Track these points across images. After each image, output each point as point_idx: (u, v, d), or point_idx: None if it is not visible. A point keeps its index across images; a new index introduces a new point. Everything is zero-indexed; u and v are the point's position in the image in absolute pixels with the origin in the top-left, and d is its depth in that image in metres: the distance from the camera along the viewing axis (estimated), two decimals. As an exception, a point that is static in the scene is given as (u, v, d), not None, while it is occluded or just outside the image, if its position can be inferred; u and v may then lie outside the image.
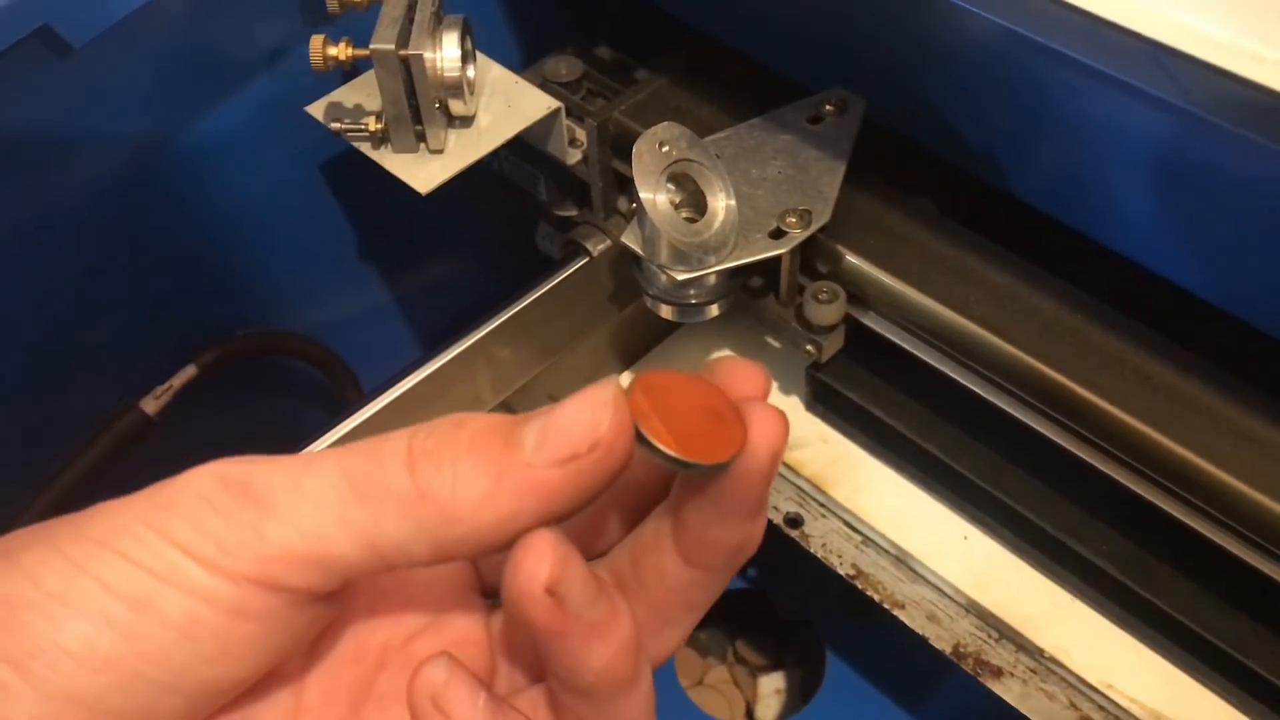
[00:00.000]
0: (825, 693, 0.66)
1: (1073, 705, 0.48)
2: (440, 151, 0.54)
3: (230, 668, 0.28)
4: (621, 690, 0.30)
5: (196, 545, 0.27)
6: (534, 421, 0.28)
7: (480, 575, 0.34)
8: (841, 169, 0.51)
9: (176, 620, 0.26)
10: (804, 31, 0.55)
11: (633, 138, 0.50)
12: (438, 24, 0.53)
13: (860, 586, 0.52)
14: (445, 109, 0.53)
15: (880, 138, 0.54)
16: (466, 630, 0.33)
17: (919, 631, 0.51)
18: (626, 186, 0.58)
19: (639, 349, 0.60)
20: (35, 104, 0.50)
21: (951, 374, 0.50)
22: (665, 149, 0.48)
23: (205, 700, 0.28)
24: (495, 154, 0.55)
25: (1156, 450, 0.45)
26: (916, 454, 0.53)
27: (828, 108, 0.53)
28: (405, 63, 0.51)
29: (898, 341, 0.51)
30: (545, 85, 0.59)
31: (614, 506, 0.33)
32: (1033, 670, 0.49)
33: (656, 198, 0.48)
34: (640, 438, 0.27)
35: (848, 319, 0.52)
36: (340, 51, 0.51)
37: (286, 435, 0.56)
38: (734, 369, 0.30)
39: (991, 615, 0.50)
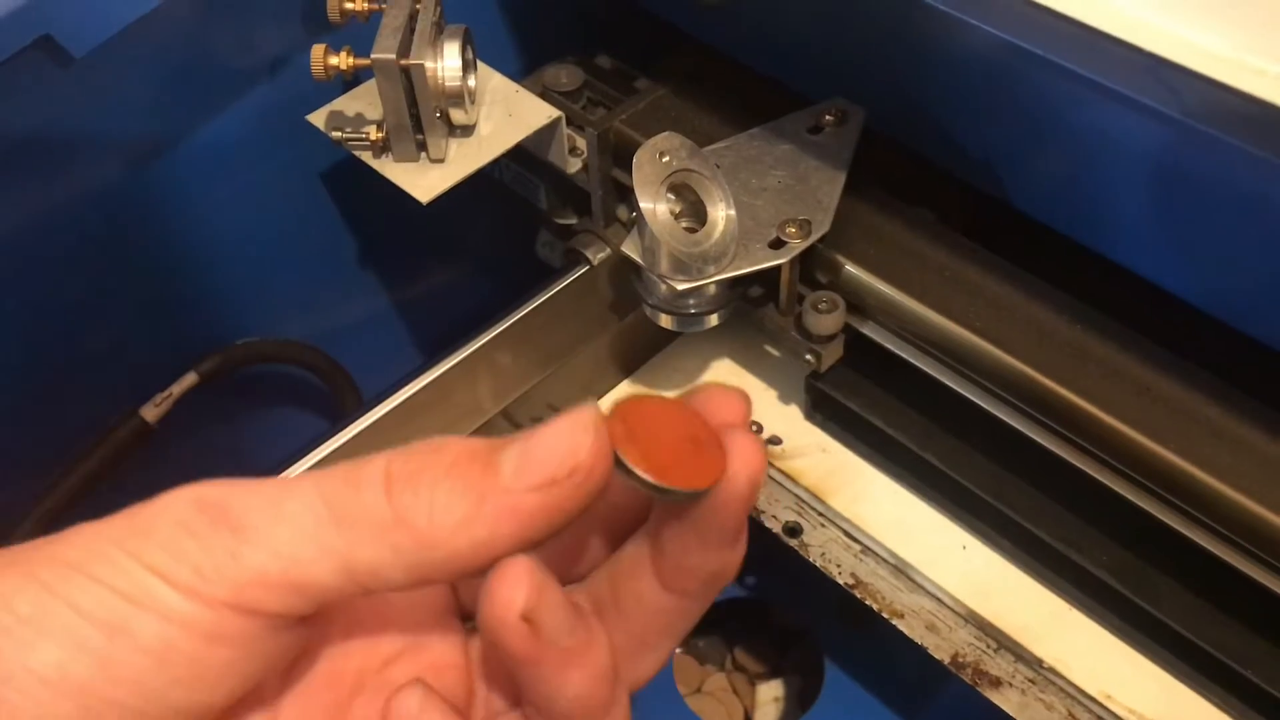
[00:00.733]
0: (824, 701, 0.66)
1: (1071, 715, 0.48)
2: (441, 160, 0.54)
3: (204, 693, 0.27)
4: (597, 717, 0.30)
5: (172, 570, 0.26)
6: (513, 446, 0.27)
7: (459, 598, 0.34)
8: (841, 179, 0.52)
9: (150, 645, 0.26)
10: (804, 41, 0.55)
11: (633, 147, 0.50)
12: (439, 33, 0.53)
13: (859, 596, 0.52)
14: (446, 118, 0.53)
15: (880, 148, 0.54)
16: (444, 654, 0.33)
17: (918, 641, 0.51)
18: (626, 195, 0.58)
19: (639, 358, 0.60)
20: (36, 111, 0.50)
21: (950, 384, 0.51)
22: (665, 159, 0.48)
23: None
24: (496, 162, 0.56)
25: (1155, 461, 0.45)
26: (915, 463, 0.53)
27: (827, 118, 0.54)
28: (406, 72, 0.51)
29: (897, 351, 0.52)
30: (546, 94, 0.59)
31: (595, 529, 0.33)
32: (1031, 680, 0.49)
33: (657, 207, 0.48)
34: (619, 463, 0.27)
35: (847, 329, 0.52)
36: (341, 61, 0.52)
37: (286, 443, 0.56)
38: (714, 396, 0.30)
39: (990, 625, 0.50)
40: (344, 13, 0.53)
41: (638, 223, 0.49)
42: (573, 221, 0.62)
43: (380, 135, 0.54)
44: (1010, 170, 0.49)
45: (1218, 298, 0.44)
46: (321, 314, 0.66)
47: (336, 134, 0.55)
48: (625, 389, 0.60)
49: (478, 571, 0.28)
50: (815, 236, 0.50)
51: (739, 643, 0.73)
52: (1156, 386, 0.46)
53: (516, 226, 0.67)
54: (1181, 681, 0.48)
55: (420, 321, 0.73)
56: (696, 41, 0.60)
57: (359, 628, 0.32)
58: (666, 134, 0.49)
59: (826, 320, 0.51)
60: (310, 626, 0.29)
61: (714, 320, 0.52)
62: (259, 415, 0.67)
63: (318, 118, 0.56)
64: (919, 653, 0.51)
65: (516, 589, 0.27)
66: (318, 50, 0.52)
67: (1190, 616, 0.47)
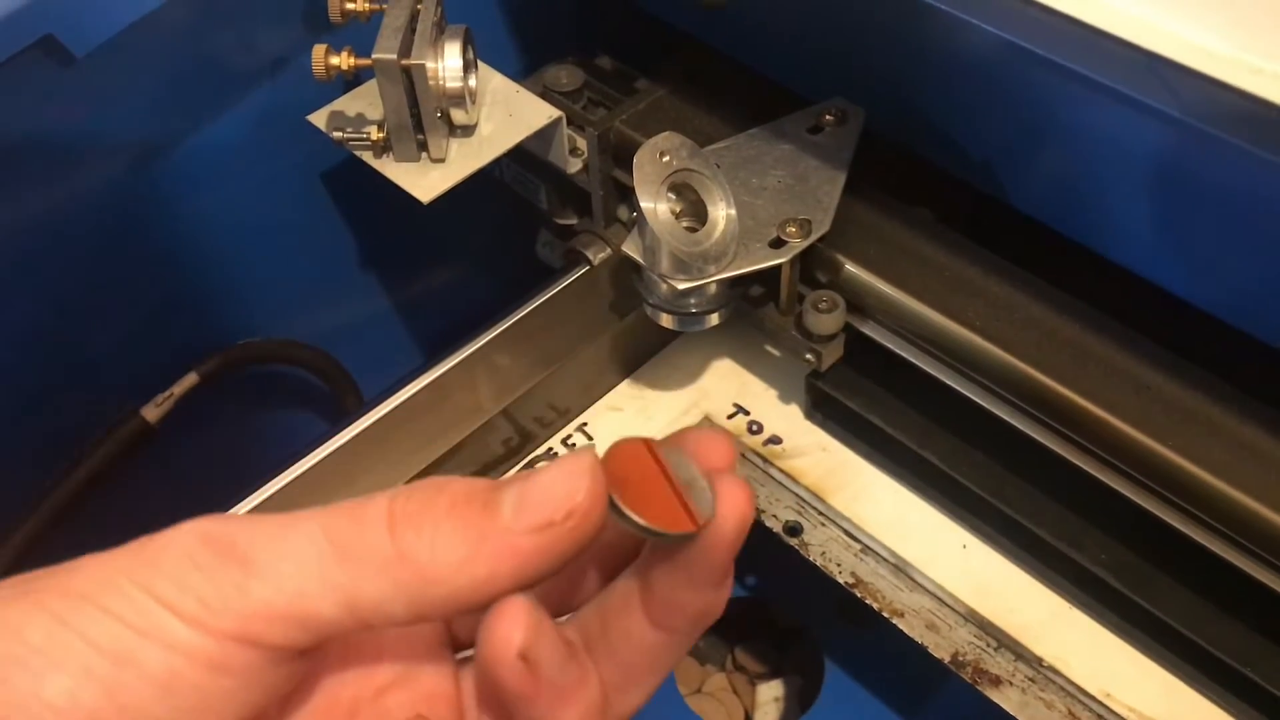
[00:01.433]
0: (824, 700, 0.66)
1: (1071, 714, 0.48)
2: (442, 160, 0.54)
3: None
4: None
5: (179, 602, 0.27)
6: (512, 487, 0.29)
7: (451, 630, 0.35)
8: (841, 179, 0.52)
9: (157, 675, 0.27)
10: (803, 42, 0.55)
11: (633, 147, 0.50)
12: (439, 34, 0.53)
13: (859, 595, 0.52)
14: (447, 118, 0.54)
15: (879, 147, 0.54)
16: (437, 684, 0.34)
17: (918, 640, 0.51)
18: (627, 195, 0.58)
19: (639, 357, 0.60)
20: (37, 111, 0.50)
21: (950, 383, 0.51)
22: (666, 159, 0.48)
23: None
24: (497, 163, 0.56)
25: (1154, 459, 0.45)
26: (915, 462, 0.53)
27: (827, 118, 0.54)
28: (407, 72, 0.51)
29: (897, 350, 0.52)
30: (546, 94, 0.59)
31: (588, 563, 0.34)
32: (1031, 679, 0.49)
33: (657, 207, 0.48)
34: (613, 506, 0.28)
35: (847, 328, 0.52)
36: (342, 61, 0.52)
37: (287, 443, 0.56)
38: (703, 439, 0.31)
39: (990, 624, 0.50)
40: (345, 13, 0.53)
41: (638, 222, 0.49)
42: (573, 222, 0.62)
43: (381, 135, 0.54)
44: (1009, 169, 0.50)
45: (1214, 295, 0.44)
46: (322, 314, 0.66)
47: (337, 134, 0.55)
48: (626, 389, 0.60)
49: (477, 608, 0.29)
50: (815, 236, 0.50)
51: (739, 643, 0.74)
52: (1156, 385, 0.46)
53: (517, 226, 0.67)
54: (1182, 680, 0.48)
55: (421, 321, 0.73)
56: (696, 42, 0.60)
57: (355, 657, 0.33)
58: (667, 134, 0.49)
59: (827, 320, 0.51)
60: (311, 658, 0.30)
61: (714, 320, 0.52)
62: (260, 415, 0.67)
63: (319, 118, 0.56)
64: (919, 652, 0.51)
65: (514, 628, 0.28)
66: (319, 50, 0.52)
67: (1190, 615, 0.47)
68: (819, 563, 0.53)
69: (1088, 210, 0.47)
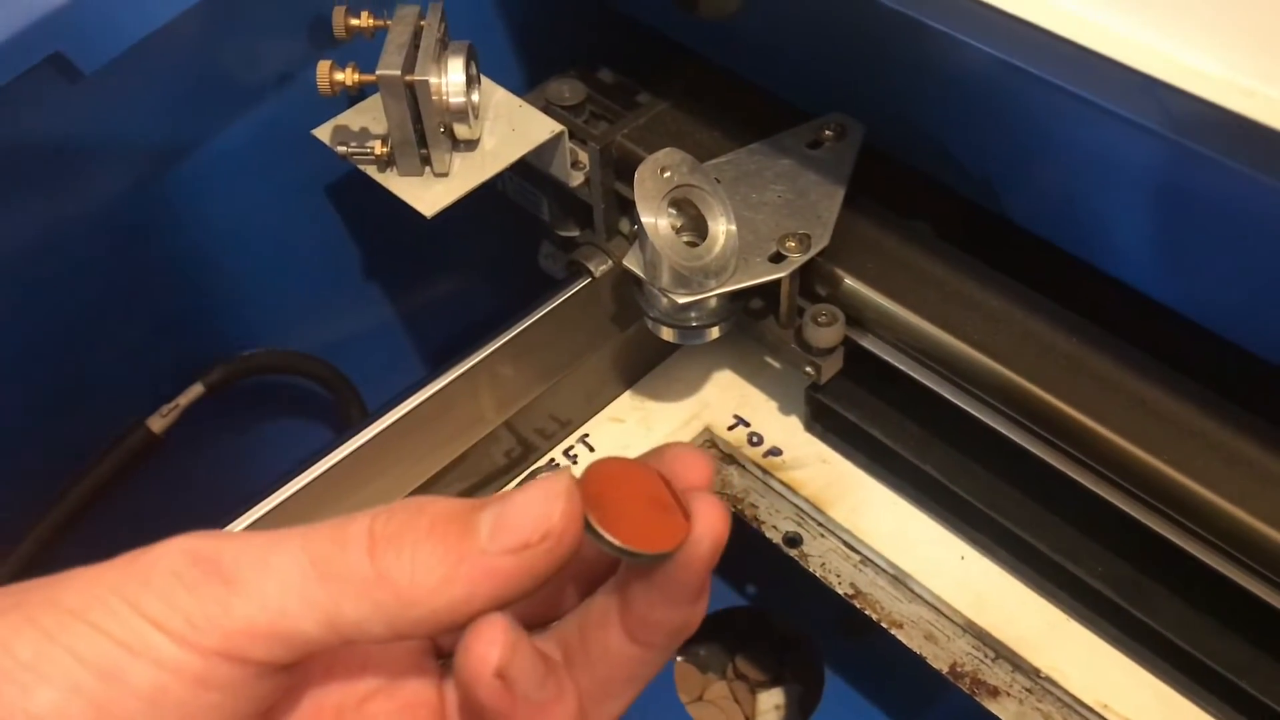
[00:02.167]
0: (824, 709, 0.67)
1: None
2: (445, 175, 0.55)
3: None
4: None
5: (166, 618, 0.28)
6: (489, 509, 0.29)
7: (435, 639, 0.35)
8: (840, 193, 0.52)
9: (143, 690, 0.28)
10: (803, 57, 0.55)
11: (635, 161, 0.51)
12: (443, 49, 0.53)
13: (859, 606, 0.53)
14: (450, 133, 0.54)
15: (878, 162, 0.54)
16: (419, 693, 0.34)
17: (916, 651, 0.51)
18: (628, 208, 0.58)
19: (640, 369, 0.61)
20: (46, 126, 0.50)
21: (948, 396, 0.51)
22: (667, 174, 0.49)
23: None
24: (499, 176, 0.56)
25: (1150, 473, 0.45)
26: (914, 475, 0.54)
27: (827, 133, 0.54)
28: (411, 88, 0.52)
29: (895, 364, 0.52)
30: (548, 108, 0.59)
31: (569, 578, 0.34)
32: (1029, 690, 0.50)
33: (658, 222, 0.49)
34: (588, 527, 0.29)
35: (846, 341, 0.53)
36: (347, 77, 0.52)
37: (292, 454, 0.57)
38: (680, 457, 0.32)
39: (988, 635, 0.51)
40: (349, 29, 0.54)
41: (639, 237, 0.49)
42: (575, 234, 0.63)
43: (385, 150, 0.54)
44: (1007, 185, 0.50)
45: (1208, 309, 0.45)
46: (326, 325, 0.67)
47: (342, 148, 0.55)
48: (627, 400, 0.60)
49: (455, 628, 0.30)
50: (815, 250, 0.50)
51: (740, 651, 0.74)
52: (1152, 399, 0.46)
53: (519, 238, 0.68)
54: (1178, 691, 0.48)
55: (424, 332, 0.73)
56: (698, 56, 0.61)
57: (338, 666, 0.33)
58: (668, 150, 0.49)
59: (826, 333, 0.52)
60: (294, 673, 0.31)
61: (715, 333, 0.53)
62: (265, 426, 0.68)
63: (323, 132, 0.57)
64: (918, 662, 0.51)
65: (491, 647, 0.29)
66: (324, 66, 0.52)
67: (1186, 627, 0.47)
68: (819, 573, 0.54)
69: (1084, 225, 0.48)
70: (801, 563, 0.54)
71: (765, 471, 0.57)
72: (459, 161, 0.55)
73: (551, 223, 0.63)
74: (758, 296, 0.54)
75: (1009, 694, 0.50)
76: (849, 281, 0.52)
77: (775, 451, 0.57)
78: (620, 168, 0.58)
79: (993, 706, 0.49)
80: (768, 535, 0.55)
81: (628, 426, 0.59)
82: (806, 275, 0.52)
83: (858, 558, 0.54)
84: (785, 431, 0.58)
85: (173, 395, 0.59)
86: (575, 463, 0.58)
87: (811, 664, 0.70)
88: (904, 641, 0.51)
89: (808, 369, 0.53)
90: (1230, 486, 0.44)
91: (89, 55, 0.47)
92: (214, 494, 0.64)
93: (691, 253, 0.49)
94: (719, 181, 0.51)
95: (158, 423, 0.59)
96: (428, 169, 0.55)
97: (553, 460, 0.59)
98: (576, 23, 0.66)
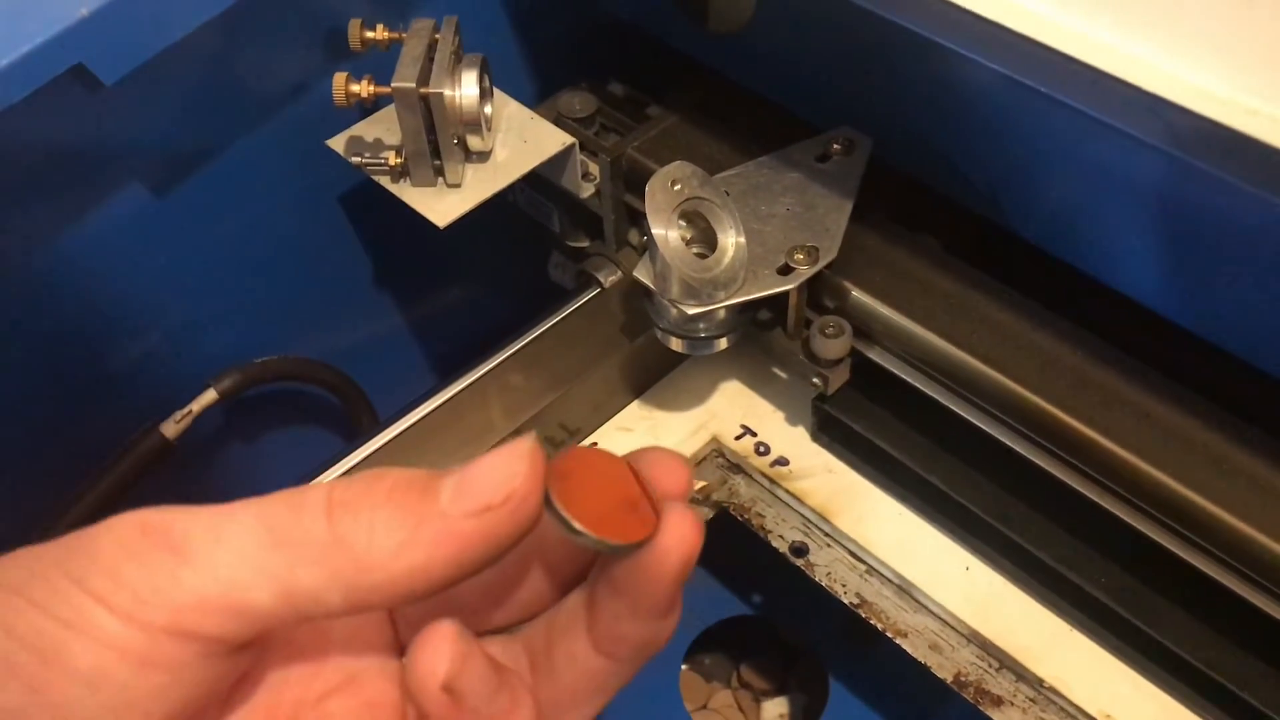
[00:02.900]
0: (828, 717, 0.67)
1: None
2: (458, 186, 0.55)
3: (135, 719, 0.27)
4: None
5: (111, 594, 0.26)
6: (452, 474, 0.28)
7: (398, 636, 0.34)
8: (848, 206, 0.53)
9: (83, 671, 0.26)
10: (812, 71, 0.56)
11: (645, 173, 0.52)
12: (457, 62, 0.54)
13: (864, 615, 0.53)
14: (463, 144, 0.55)
15: (886, 176, 0.55)
16: (380, 690, 0.33)
17: (921, 660, 0.52)
18: (638, 219, 0.59)
19: (649, 379, 0.61)
20: (65, 136, 0.51)
21: (954, 408, 0.51)
22: (677, 187, 0.49)
23: None
24: (511, 187, 0.57)
25: (1153, 485, 0.46)
26: (920, 485, 0.54)
27: (835, 146, 0.55)
28: (425, 100, 0.52)
29: (902, 375, 0.53)
30: (559, 121, 0.60)
31: (542, 573, 0.33)
32: (1032, 700, 0.50)
33: (668, 234, 0.49)
34: (548, 502, 0.28)
35: (853, 353, 0.53)
36: (363, 88, 0.53)
37: (303, 460, 0.57)
38: (660, 461, 0.31)
39: (992, 645, 0.51)
40: (365, 41, 0.54)
41: (649, 248, 0.50)
42: (585, 245, 0.64)
43: (399, 160, 0.55)
44: (1013, 199, 0.51)
45: (1212, 324, 0.45)
46: (339, 333, 0.67)
47: (356, 159, 0.56)
48: (635, 410, 0.61)
49: (415, 598, 0.28)
50: (823, 263, 0.51)
51: (745, 660, 0.74)
52: (1155, 413, 0.47)
53: (529, 249, 0.69)
54: (1180, 702, 0.49)
55: (435, 341, 0.74)
56: (707, 70, 0.61)
57: (298, 658, 0.32)
58: (678, 163, 0.50)
59: (833, 344, 0.52)
60: (247, 655, 0.29)
61: (723, 344, 0.53)
62: (276, 432, 0.68)
63: (337, 143, 0.57)
64: (922, 673, 0.52)
65: (439, 658, 0.28)
66: (339, 78, 0.53)
67: (1189, 638, 0.48)
68: (824, 583, 0.54)
69: (1089, 239, 0.48)
70: (808, 572, 0.55)
71: (772, 481, 0.57)
72: (471, 173, 0.56)
73: (562, 234, 0.64)
74: (766, 308, 0.55)
75: (1013, 703, 0.50)
76: (856, 294, 0.52)
77: (782, 461, 0.58)
78: (630, 180, 0.58)
79: (996, 716, 0.50)
80: (774, 544, 0.56)
81: (636, 436, 0.60)
82: (814, 287, 0.53)
83: (863, 567, 0.54)
84: (792, 442, 0.58)
85: (186, 401, 0.60)
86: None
87: (816, 674, 0.71)
88: (909, 651, 0.52)
89: (815, 380, 0.54)
90: (1232, 499, 0.44)
91: (110, 67, 0.47)
92: (226, 499, 0.64)
93: (701, 264, 0.50)
94: (728, 194, 0.51)
95: (171, 428, 0.59)
96: (440, 180, 0.56)
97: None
98: (587, 36, 0.67)
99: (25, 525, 0.57)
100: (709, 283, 0.49)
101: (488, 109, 0.56)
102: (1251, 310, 0.44)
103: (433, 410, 0.58)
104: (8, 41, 0.45)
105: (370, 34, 0.54)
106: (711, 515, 0.57)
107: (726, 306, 0.50)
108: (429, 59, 0.53)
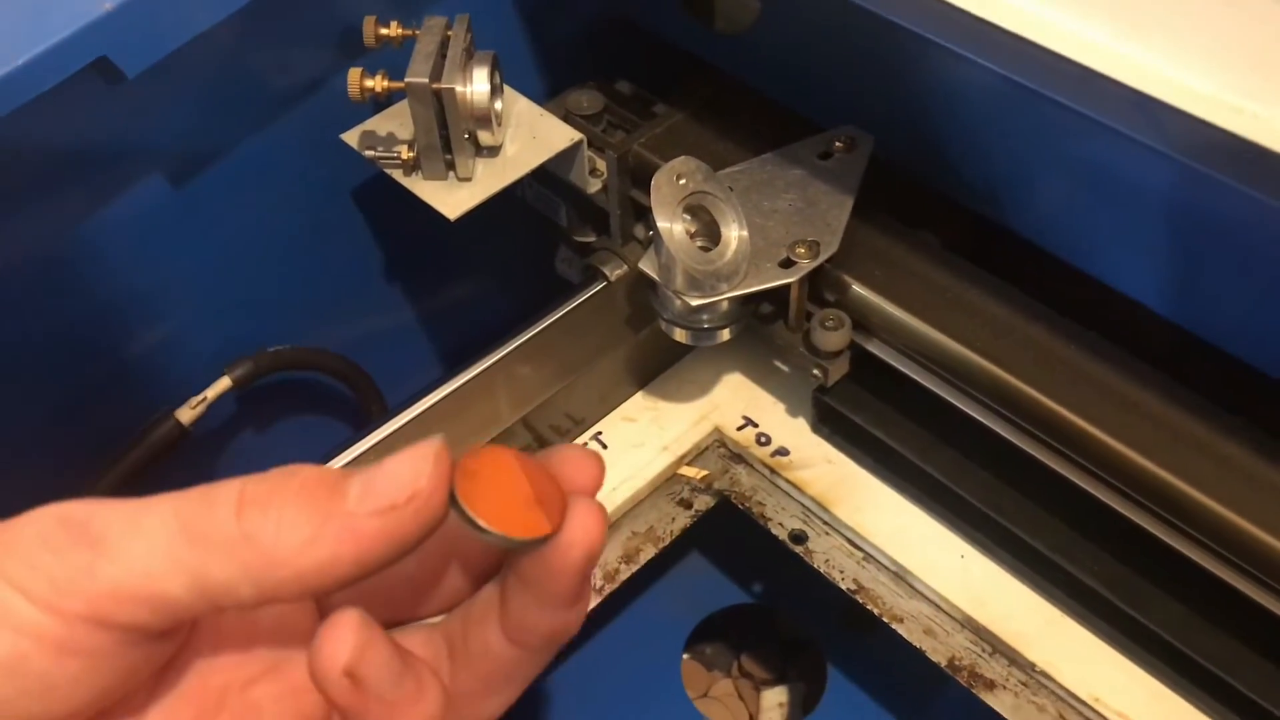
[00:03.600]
0: (825, 705, 0.68)
1: (1061, 717, 0.50)
2: (468, 179, 0.57)
3: (55, 704, 0.28)
4: None
5: (29, 582, 0.27)
6: (360, 474, 0.29)
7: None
8: (849, 203, 0.54)
9: (2, 658, 0.27)
10: (816, 71, 0.57)
11: (651, 169, 0.53)
12: (468, 59, 0.55)
13: (861, 601, 0.54)
14: (474, 139, 0.56)
15: (887, 174, 0.56)
16: (305, 678, 0.33)
17: (916, 645, 0.53)
18: (644, 214, 0.60)
19: (653, 370, 0.63)
20: (86, 128, 0.52)
21: (951, 399, 0.53)
22: (682, 181, 0.51)
23: None
24: (519, 182, 0.58)
25: (1142, 475, 0.47)
26: (917, 475, 0.56)
27: (837, 144, 0.56)
28: (438, 95, 0.54)
29: (900, 368, 0.54)
30: (568, 117, 0.61)
31: (457, 566, 0.35)
32: (1024, 684, 0.51)
33: (673, 227, 0.51)
34: (453, 500, 0.29)
35: (853, 345, 0.54)
36: (377, 84, 0.54)
37: (313, 447, 0.59)
38: (570, 459, 0.32)
39: (986, 630, 0.52)
40: (379, 38, 0.56)
41: (655, 241, 0.51)
42: (591, 239, 0.65)
43: (411, 154, 0.56)
44: (1010, 197, 0.52)
45: (1196, 317, 0.47)
46: (349, 325, 0.69)
47: (369, 152, 0.57)
48: (640, 400, 0.62)
49: (322, 591, 0.30)
50: (823, 257, 0.52)
51: (745, 650, 0.76)
52: (1145, 404, 0.48)
53: (537, 244, 0.70)
54: (1168, 687, 0.50)
55: (444, 333, 0.75)
56: (713, 69, 0.63)
57: (225, 646, 0.33)
58: (683, 158, 0.51)
59: (833, 337, 0.53)
60: (167, 642, 0.30)
61: (726, 335, 0.55)
62: (288, 420, 0.70)
63: (351, 136, 0.59)
64: (918, 659, 0.53)
65: (341, 645, 0.29)
66: (354, 74, 0.54)
67: (1177, 624, 0.49)
68: (823, 569, 0.56)
69: (1083, 235, 0.50)
70: (806, 559, 0.56)
71: (773, 471, 0.58)
72: (482, 167, 0.57)
73: (569, 228, 0.65)
74: (768, 301, 0.56)
75: (1005, 687, 0.51)
76: (856, 288, 0.53)
77: (783, 451, 0.59)
78: (636, 176, 0.60)
79: (989, 699, 0.51)
80: (774, 532, 0.57)
81: (640, 426, 0.61)
82: (815, 281, 0.54)
83: (861, 555, 0.56)
84: (793, 433, 0.60)
85: (201, 388, 0.61)
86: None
87: (816, 664, 0.72)
88: (904, 636, 0.53)
89: (815, 372, 0.55)
90: (1220, 489, 0.45)
91: (132, 60, 0.49)
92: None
93: (705, 257, 0.51)
94: (732, 189, 0.53)
95: (186, 414, 0.61)
96: (451, 174, 0.57)
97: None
98: (596, 35, 0.68)
99: (45, 503, 0.59)
100: (712, 275, 0.51)
101: (498, 105, 0.57)
102: (1236, 304, 0.45)
103: (441, 399, 0.59)
104: (35, 34, 0.46)
105: (384, 30, 0.56)
106: (713, 503, 0.59)
107: (729, 298, 0.52)
108: (441, 55, 0.55)
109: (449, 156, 0.56)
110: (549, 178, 0.62)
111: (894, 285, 0.53)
